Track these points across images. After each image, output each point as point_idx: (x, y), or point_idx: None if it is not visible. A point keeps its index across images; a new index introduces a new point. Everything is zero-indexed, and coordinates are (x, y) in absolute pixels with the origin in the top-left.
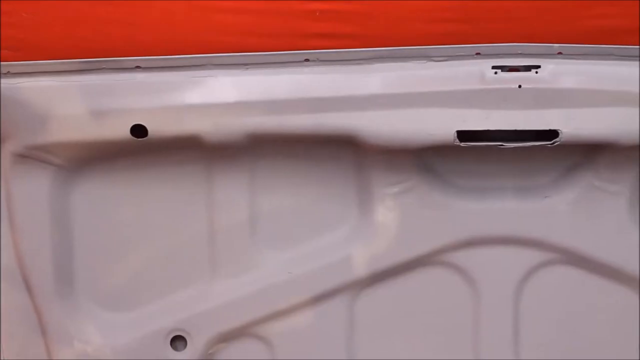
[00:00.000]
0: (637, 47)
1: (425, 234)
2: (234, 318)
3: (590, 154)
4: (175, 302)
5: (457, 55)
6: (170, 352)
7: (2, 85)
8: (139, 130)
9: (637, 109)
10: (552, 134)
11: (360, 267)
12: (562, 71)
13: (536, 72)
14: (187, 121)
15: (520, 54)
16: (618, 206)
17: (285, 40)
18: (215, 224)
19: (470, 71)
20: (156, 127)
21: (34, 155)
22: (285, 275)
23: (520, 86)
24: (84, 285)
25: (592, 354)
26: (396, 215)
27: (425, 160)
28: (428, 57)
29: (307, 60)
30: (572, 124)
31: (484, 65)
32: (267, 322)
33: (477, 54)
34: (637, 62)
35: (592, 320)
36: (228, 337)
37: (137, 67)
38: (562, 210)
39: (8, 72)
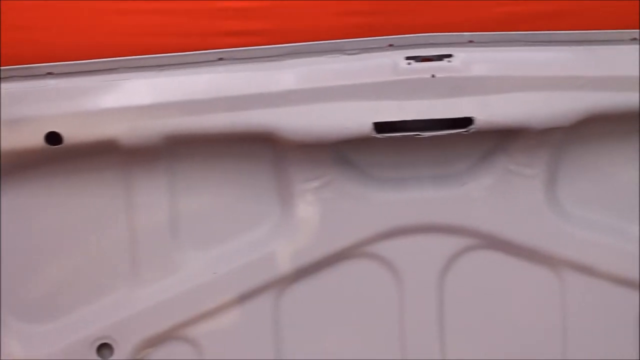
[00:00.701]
0: (545, 32)
1: (346, 227)
2: (160, 322)
3: (505, 139)
4: (100, 309)
5: (369, 48)
6: None
7: None
8: (53, 138)
9: (548, 92)
10: (466, 121)
11: (284, 263)
12: (473, 59)
13: (449, 61)
14: (103, 126)
15: (432, 43)
16: (534, 189)
17: (198, 39)
18: (136, 228)
19: (384, 63)
20: (71, 134)
21: None
22: (210, 275)
23: (433, 76)
24: (3, 298)
25: (516, 335)
26: (317, 210)
27: (343, 153)
28: (341, 51)
29: (221, 59)
30: (486, 110)
31: (397, 57)
32: (194, 323)
33: (390, 45)
34: (545, 47)
35: (514, 302)
36: (155, 341)
37: (49, 73)
38: (480, 196)
39: None
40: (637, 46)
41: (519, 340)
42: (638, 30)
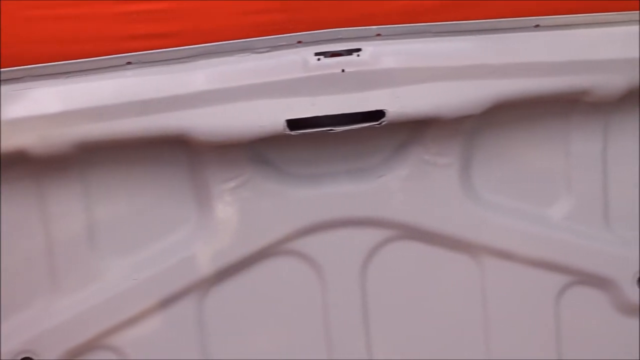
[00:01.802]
0: (451, 22)
1: (266, 225)
2: (83, 332)
3: (418, 130)
4: (20, 323)
5: (278, 45)
6: None
7: None
8: None
9: (457, 82)
10: (378, 114)
11: (205, 265)
12: (382, 52)
13: (358, 55)
14: (11, 137)
15: (341, 38)
16: (449, 178)
17: (105, 44)
18: (52, 238)
19: (294, 60)
20: None
21: None
22: (130, 282)
23: (343, 70)
24: None
25: (440, 323)
26: (235, 210)
27: (258, 152)
28: (250, 50)
29: (129, 63)
30: (397, 102)
31: (307, 53)
32: (117, 331)
33: (299, 42)
34: (452, 37)
35: (436, 290)
36: (78, 351)
37: None
38: (397, 187)
39: None
40: (540, 32)
41: (442, 328)
42: (540, 17)
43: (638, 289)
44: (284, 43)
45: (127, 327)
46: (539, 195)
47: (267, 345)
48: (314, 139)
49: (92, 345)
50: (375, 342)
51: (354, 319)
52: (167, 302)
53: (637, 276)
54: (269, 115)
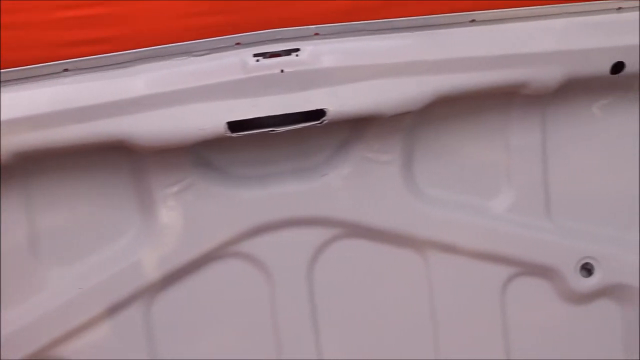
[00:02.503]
0: (388, 20)
1: (211, 228)
2: (29, 343)
3: (359, 128)
4: None
5: (217, 48)
6: None
7: None
8: None
9: (395, 79)
10: (319, 113)
11: (151, 270)
12: (320, 51)
13: (296, 55)
14: None
15: (280, 39)
16: (391, 174)
17: (41, 52)
18: None
19: (233, 62)
20: None
21: None
22: (76, 290)
23: (282, 71)
24: None
25: (388, 318)
26: (180, 214)
27: (201, 155)
28: (189, 53)
29: (66, 70)
30: (337, 101)
31: (246, 54)
32: (64, 342)
33: (237, 44)
34: (389, 35)
35: (383, 286)
36: None
37: None
38: (340, 185)
39: None
40: (476, 27)
41: (391, 323)
42: (475, 12)
43: (581, 277)
44: (223, 45)
45: (74, 336)
46: (481, 189)
47: (217, 348)
48: (257, 140)
49: (39, 356)
50: (325, 340)
51: (303, 319)
52: (114, 310)
53: (580, 264)
54: (210, 118)
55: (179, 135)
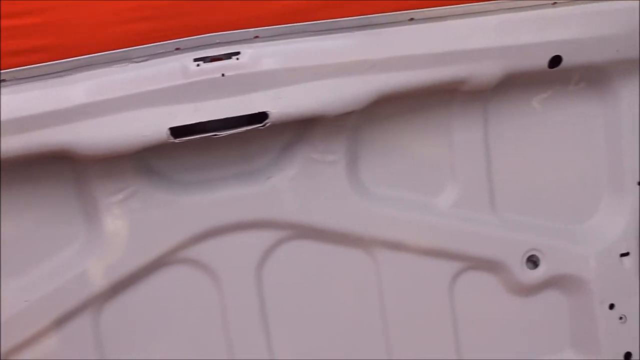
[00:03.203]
0: (328, 21)
1: (158, 235)
2: None
3: (303, 129)
4: None
5: (157, 54)
6: None
7: None
8: None
9: (338, 79)
10: (262, 116)
11: (98, 280)
12: (261, 54)
13: (237, 59)
14: None
15: (219, 43)
16: (337, 174)
17: None
18: None
19: (173, 67)
20: None
21: None
22: (22, 303)
23: (223, 75)
24: None
25: (338, 318)
26: (125, 222)
27: (145, 162)
28: (128, 59)
29: (3, 80)
30: (279, 103)
31: (186, 59)
32: (12, 355)
33: (177, 49)
34: (330, 35)
35: (332, 287)
36: None
37: None
38: (286, 187)
39: None
40: (415, 25)
41: (341, 323)
42: (414, 11)
43: (527, 269)
44: (163, 50)
45: (22, 349)
46: (426, 185)
47: (168, 354)
48: (201, 145)
49: None
50: (276, 341)
51: (253, 321)
52: (61, 321)
53: (526, 257)
54: (152, 125)
55: (121, 143)
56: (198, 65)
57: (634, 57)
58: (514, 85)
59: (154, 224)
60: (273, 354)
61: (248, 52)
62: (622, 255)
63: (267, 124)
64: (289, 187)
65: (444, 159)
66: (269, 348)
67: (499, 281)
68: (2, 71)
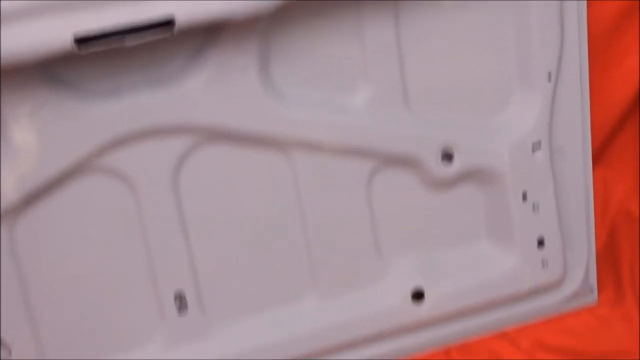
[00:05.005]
0: None
1: (69, 145)
2: None
3: (213, 33)
4: None
5: None
6: None
7: None
8: None
9: None
10: (169, 22)
11: (9, 192)
12: None
13: None
14: None
15: None
16: (249, 77)
17: None
18: None
19: None
20: None
21: None
22: None
23: None
24: None
25: (257, 222)
26: (35, 134)
27: (51, 71)
28: None
29: None
30: (185, 8)
31: None
32: None
33: None
34: None
35: (250, 190)
36: None
37: None
38: (198, 92)
39: None
40: None
41: (259, 225)
42: None
43: (442, 165)
44: None
45: None
46: (339, 86)
47: (86, 266)
48: (109, 53)
49: None
50: (195, 246)
51: (171, 227)
52: None
53: (441, 152)
54: (56, 32)
55: (24, 53)
56: None
57: None
58: None
59: (64, 133)
60: (193, 257)
61: None
62: (534, 146)
63: (175, 30)
64: (201, 91)
65: (357, 59)
66: (189, 252)
67: (416, 177)
68: None
